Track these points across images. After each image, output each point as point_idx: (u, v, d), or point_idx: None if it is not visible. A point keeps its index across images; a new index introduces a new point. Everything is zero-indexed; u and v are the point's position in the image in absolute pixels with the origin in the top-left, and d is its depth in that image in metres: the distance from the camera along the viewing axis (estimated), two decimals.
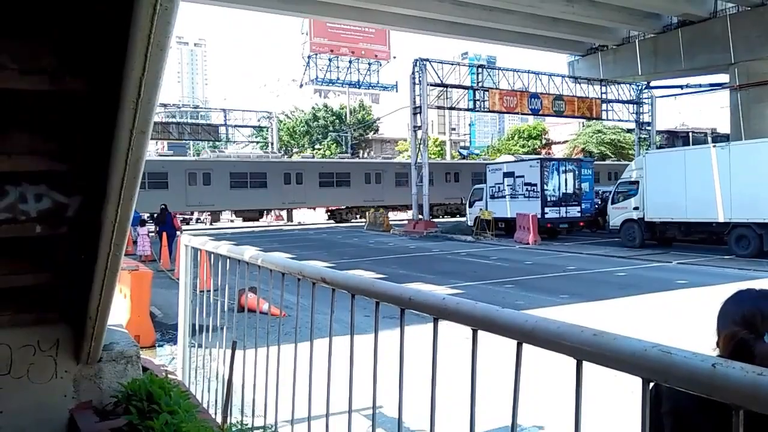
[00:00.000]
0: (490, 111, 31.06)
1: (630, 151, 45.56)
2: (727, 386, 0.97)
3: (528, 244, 20.63)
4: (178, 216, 22.02)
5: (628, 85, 34.32)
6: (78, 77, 1.98)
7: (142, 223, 17.62)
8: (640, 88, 34.79)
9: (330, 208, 38.12)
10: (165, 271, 14.11)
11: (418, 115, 27.51)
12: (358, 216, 37.49)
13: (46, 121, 2.25)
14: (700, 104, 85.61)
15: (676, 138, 46.12)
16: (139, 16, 1.46)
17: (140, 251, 17.02)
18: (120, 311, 7.05)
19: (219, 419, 3.41)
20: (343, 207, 37.45)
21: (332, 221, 37.85)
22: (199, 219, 38.14)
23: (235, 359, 3.34)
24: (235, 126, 45.17)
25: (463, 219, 30.90)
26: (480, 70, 31.12)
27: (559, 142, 61.35)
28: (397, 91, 45.91)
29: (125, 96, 1.72)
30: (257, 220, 37.66)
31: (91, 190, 2.34)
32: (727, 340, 1.37)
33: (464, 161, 48.76)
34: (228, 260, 3.51)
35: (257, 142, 49.86)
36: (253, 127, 46.81)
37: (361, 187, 36.90)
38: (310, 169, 36.29)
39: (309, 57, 41.54)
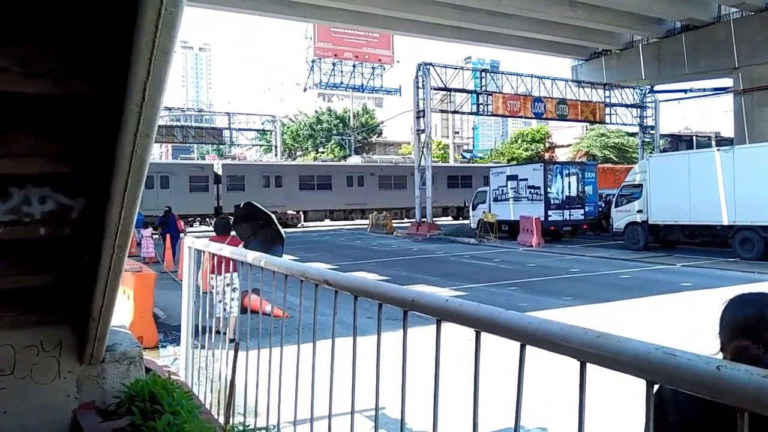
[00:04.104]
0: (493, 115, 31.04)
1: (634, 155, 45.47)
2: (732, 389, 0.96)
3: (531, 246, 20.59)
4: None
5: (631, 89, 34.23)
6: (83, 80, 1.99)
7: (145, 225, 17.67)
8: (643, 92, 34.69)
9: None
10: (168, 273, 14.13)
11: (422, 118, 27.53)
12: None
13: (51, 123, 2.26)
14: (703, 108, 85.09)
15: (679, 142, 46.01)
16: (145, 20, 1.47)
17: (144, 253, 17.10)
18: (123, 312, 7.07)
19: (222, 420, 3.41)
20: None
21: None
22: (201, 222, 37.58)
23: (237, 360, 3.34)
24: (239, 129, 45.31)
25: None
26: (483, 74, 31.11)
27: (562, 146, 61.28)
28: (400, 95, 45.98)
29: (130, 99, 1.73)
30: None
31: (95, 192, 2.35)
32: (736, 353, 1.34)
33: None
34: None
35: (261, 146, 49.95)
36: (257, 130, 46.89)
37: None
38: None
39: (313, 61, 41.64)
